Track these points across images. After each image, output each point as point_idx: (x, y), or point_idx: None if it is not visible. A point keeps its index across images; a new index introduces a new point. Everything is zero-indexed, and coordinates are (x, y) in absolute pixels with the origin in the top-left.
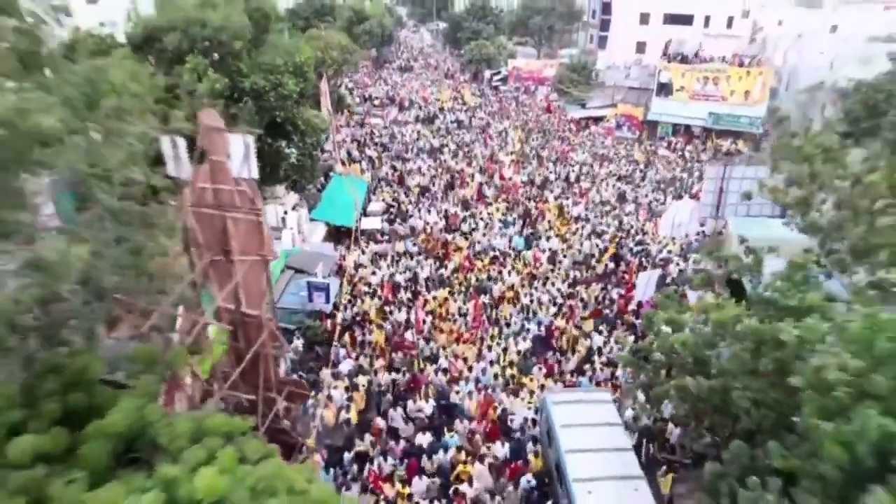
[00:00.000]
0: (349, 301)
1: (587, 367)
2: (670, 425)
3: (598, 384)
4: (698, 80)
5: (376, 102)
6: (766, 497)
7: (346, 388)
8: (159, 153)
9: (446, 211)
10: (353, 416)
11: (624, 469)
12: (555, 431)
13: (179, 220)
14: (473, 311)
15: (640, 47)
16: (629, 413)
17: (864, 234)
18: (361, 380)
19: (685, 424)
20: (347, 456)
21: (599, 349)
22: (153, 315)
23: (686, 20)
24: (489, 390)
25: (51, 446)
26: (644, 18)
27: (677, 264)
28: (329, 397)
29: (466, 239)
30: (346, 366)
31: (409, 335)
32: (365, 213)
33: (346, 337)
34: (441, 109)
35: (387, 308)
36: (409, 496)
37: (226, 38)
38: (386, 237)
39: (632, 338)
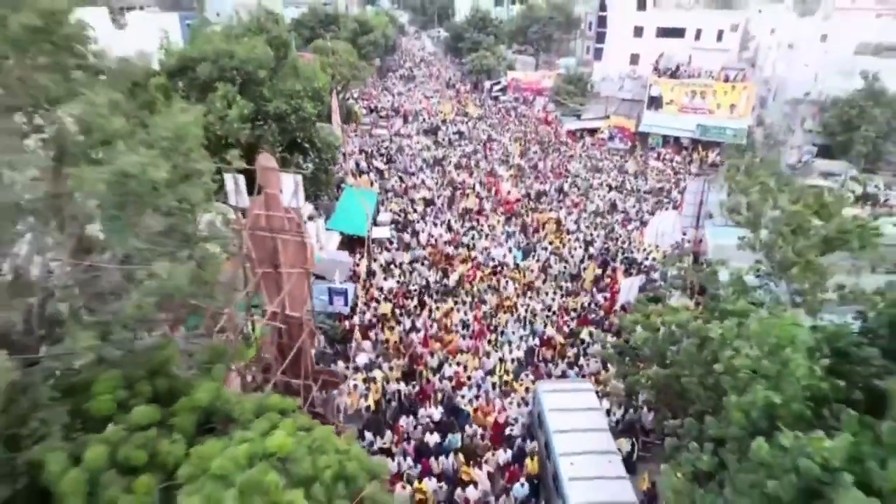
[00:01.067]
0: (365, 304)
1: (574, 362)
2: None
3: (583, 377)
4: (687, 94)
5: (382, 114)
6: (703, 457)
7: (364, 380)
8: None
9: (450, 223)
10: (371, 403)
11: (600, 445)
12: (545, 415)
13: (239, 241)
14: (475, 323)
15: (634, 59)
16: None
17: (784, 254)
18: (377, 373)
19: (656, 409)
20: (368, 436)
21: (585, 348)
22: (221, 318)
23: (678, 33)
24: (488, 395)
25: (156, 417)
26: (638, 31)
27: (657, 270)
28: (355, 386)
29: (469, 250)
30: (362, 359)
31: (414, 338)
32: (375, 223)
33: (359, 334)
34: (443, 121)
35: (397, 311)
36: (424, 493)
37: (251, 67)
38: (395, 245)
39: (613, 337)
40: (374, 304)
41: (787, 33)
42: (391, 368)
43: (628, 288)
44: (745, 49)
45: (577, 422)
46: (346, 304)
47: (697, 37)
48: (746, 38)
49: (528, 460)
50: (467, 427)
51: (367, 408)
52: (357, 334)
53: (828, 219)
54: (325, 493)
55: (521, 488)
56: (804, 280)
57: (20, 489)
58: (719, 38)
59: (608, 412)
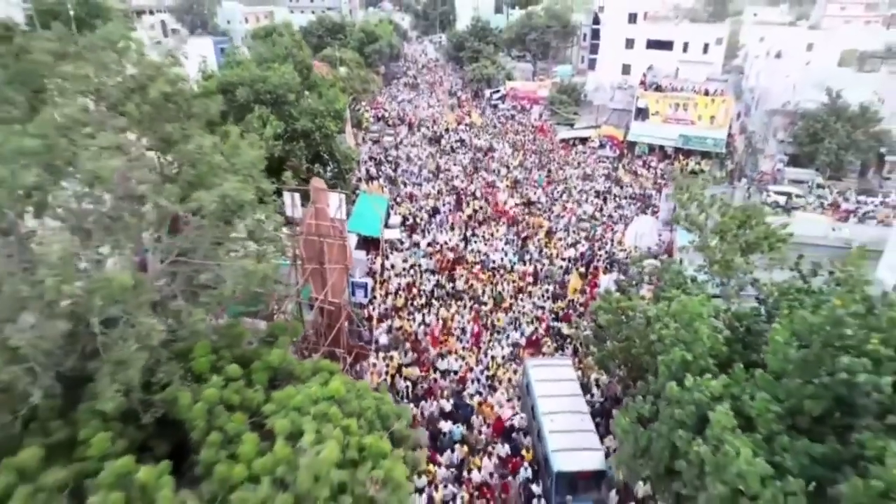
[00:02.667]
0: (383, 297)
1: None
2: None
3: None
4: (670, 106)
5: (389, 122)
6: (644, 406)
7: (383, 358)
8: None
9: (454, 228)
10: (388, 378)
11: (574, 406)
12: (531, 384)
13: (294, 244)
14: (474, 325)
15: (626, 69)
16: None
17: (711, 255)
18: (394, 354)
19: (620, 377)
20: None
21: (562, 344)
22: (282, 303)
23: (667, 46)
24: (485, 390)
25: (240, 373)
26: (629, 43)
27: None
28: (374, 364)
29: (471, 255)
30: (383, 339)
31: (420, 332)
32: (387, 225)
33: (376, 321)
34: (446, 130)
35: (408, 304)
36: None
37: (282, 91)
38: (405, 245)
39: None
40: (389, 297)
41: (776, 42)
42: (405, 353)
43: (606, 284)
44: (734, 56)
45: (556, 389)
46: (365, 296)
47: (685, 49)
48: (736, 45)
49: (524, 451)
50: (474, 419)
51: (384, 381)
52: (374, 321)
53: (750, 228)
54: (368, 425)
55: (524, 472)
56: (724, 274)
57: (156, 418)
58: (705, 50)
59: (591, 394)
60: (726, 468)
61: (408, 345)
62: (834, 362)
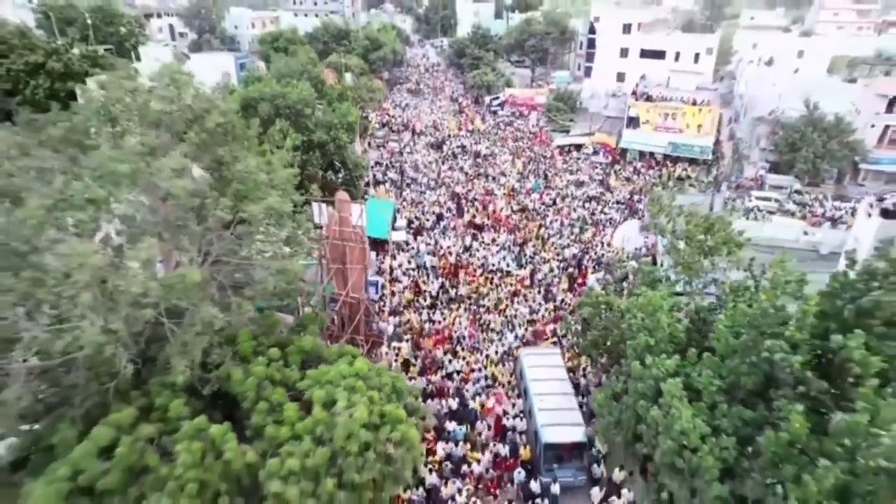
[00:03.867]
0: (391, 294)
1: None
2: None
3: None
4: (660, 115)
5: (393, 128)
6: (617, 385)
7: (393, 348)
8: None
9: (456, 233)
10: (398, 365)
11: (560, 388)
12: (524, 371)
13: (321, 247)
14: (472, 329)
15: (621, 77)
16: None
17: (675, 257)
18: (403, 345)
19: (601, 363)
20: None
21: (556, 330)
22: (310, 297)
23: (659, 55)
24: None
25: (278, 355)
26: (624, 52)
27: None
28: (385, 353)
29: (472, 259)
30: (389, 329)
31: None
32: (394, 228)
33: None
34: (448, 136)
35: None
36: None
37: (300, 106)
38: (411, 247)
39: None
40: (397, 295)
41: (767, 48)
42: (411, 345)
43: (592, 282)
44: (727, 62)
45: (546, 374)
46: (377, 293)
47: (677, 58)
48: (730, 51)
49: (521, 450)
50: (478, 423)
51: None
52: (385, 314)
53: (713, 234)
54: (387, 397)
55: (518, 474)
56: (688, 274)
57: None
58: (696, 60)
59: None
60: (672, 427)
61: (406, 337)
62: (761, 345)
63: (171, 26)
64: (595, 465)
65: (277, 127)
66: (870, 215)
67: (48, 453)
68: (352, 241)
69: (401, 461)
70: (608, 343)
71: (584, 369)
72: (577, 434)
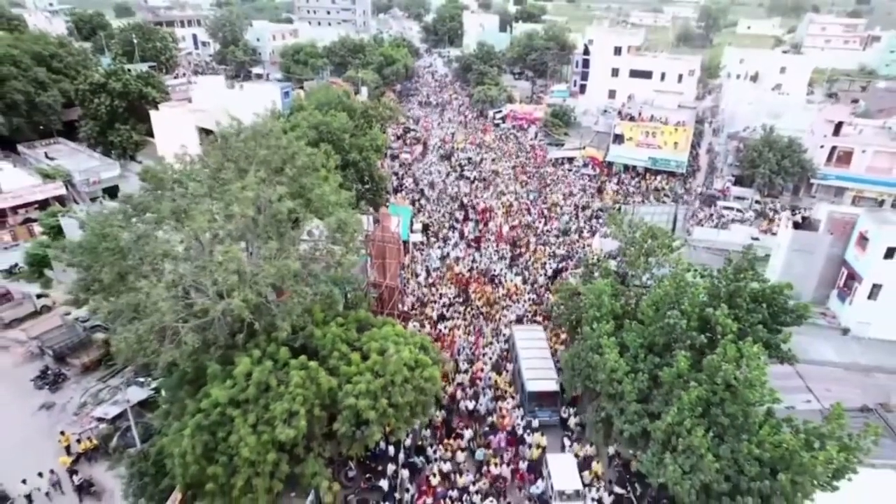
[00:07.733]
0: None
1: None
2: None
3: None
4: (642, 133)
5: (406, 141)
6: (577, 348)
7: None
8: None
9: (462, 234)
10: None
11: (541, 354)
12: (515, 342)
13: (369, 247)
14: (475, 336)
15: (612, 94)
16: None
17: (626, 257)
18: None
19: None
20: None
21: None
22: (361, 283)
23: (647, 75)
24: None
25: (342, 322)
26: (615, 72)
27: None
28: (413, 325)
29: (475, 269)
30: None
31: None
32: (411, 230)
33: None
34: (455, 149)
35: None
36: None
37: (340, 133)
38: (426, 253)
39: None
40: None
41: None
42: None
43: (568, 277)
44: (716, 76)
45: (531, 344)
46: (401, 283)
47: (662, 78)
48: (719, 66)
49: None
50: (497, 437)
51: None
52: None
53: (654, 239)
54: (419, 350)
55: (535, 489)
56: (635, 270)
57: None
58: (679, 80)
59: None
60: (605, 366)
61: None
62: (666, 315)
63: (194, 36)
64: (564, 408)
65: (323, 150)
66: (786, 227)
67: (202, 378)
68: (391, 242)
69: (429, 391)
70: (573, 318)
71: (562, 340)
72: (551, 385)
